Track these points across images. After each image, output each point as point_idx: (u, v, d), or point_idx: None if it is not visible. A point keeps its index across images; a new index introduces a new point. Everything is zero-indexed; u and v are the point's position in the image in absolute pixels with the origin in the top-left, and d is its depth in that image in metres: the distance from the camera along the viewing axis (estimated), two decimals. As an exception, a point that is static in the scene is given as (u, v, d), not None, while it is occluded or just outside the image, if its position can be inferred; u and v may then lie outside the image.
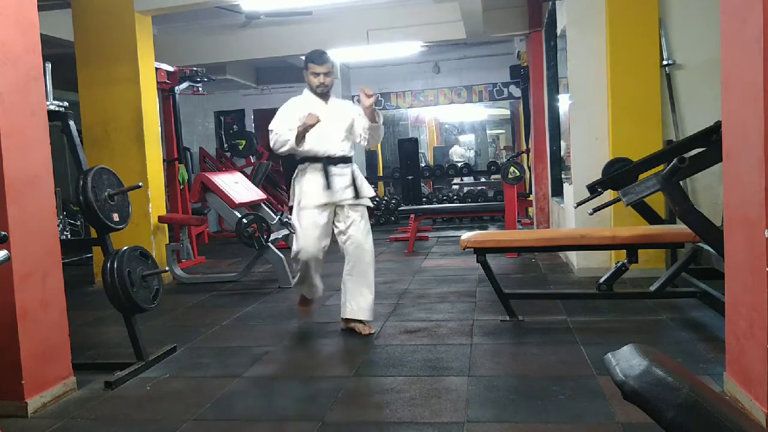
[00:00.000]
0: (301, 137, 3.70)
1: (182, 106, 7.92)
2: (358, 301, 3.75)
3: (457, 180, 13.16)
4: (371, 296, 3.78)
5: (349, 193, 3.78)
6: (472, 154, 17.72)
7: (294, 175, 3.90)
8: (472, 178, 12.73)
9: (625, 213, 4.60)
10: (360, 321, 3.77)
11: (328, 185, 3.74)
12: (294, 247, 3.82)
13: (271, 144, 3.81)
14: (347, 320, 3.81)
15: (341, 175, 3.79)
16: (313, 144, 3.75)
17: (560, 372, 2.95)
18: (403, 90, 11.81)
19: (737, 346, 2.46)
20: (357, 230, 3.77)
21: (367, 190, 3.87)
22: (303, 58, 3.91)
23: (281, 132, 3.73)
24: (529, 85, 8.37)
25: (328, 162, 3.77)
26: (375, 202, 10.43)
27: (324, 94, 3.86)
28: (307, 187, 3.78)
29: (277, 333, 3.92)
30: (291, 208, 3.90)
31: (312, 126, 3.65)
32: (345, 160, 3.82)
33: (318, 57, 3.82)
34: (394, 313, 4.26)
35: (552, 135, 7.12)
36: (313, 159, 3.79)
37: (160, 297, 3.39)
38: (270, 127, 3.82)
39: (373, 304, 3.79)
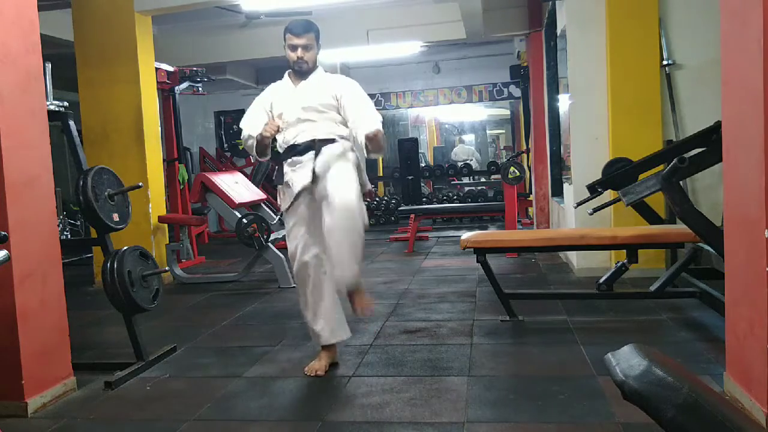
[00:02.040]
0: (261, 151, 3.14)
1: (182, 106, 7.91)
2: (340, 262, 2.96)
3: (466, 180, 13.08)
4: (358, 258, 2.98)
5: (307, 177, 3.02)
6: (477, 154, 17.61)
7: None
8: (472, 178, 12.72)
9: (625, 213, 4.60)
10: (356, 291, 2.97)
11: (283, 184, 3.14)
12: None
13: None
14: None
15: (302, 166, 3.07)
16: (279, 136, 3.16)
17: (560, 372, 2.95)
18: (403, 90, 11.82)
19: (737, 346, 2.46)
20: (328, 186, 2.97)
21: (336, 170, 3.00)
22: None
23: (247, 132, 3.16)
24: (529, 85, 8.37)
25: (288, 154, 3.13)
26: (374, 203, 10.43)
27: (302, 72, 3.16)
28: (280, 189, 3.22)
29: (277, 333, 3.92)
30: None
31: (268, 137, 3.05)
32: (311, 147, 3.05)
33: (296, 26, 3.12)
34: (394, 313, 4.26)
35: (552, 135, 7.11)
36: (281, 154, 3.19)
37: (160, 297, 3.39)
38: (240, 125, 3.26)
39: (357, 269, 2.95)
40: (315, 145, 3.07)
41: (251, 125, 3.15)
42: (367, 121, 2.96)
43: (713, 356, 3.00)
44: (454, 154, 16.08)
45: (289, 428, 2.52)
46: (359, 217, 2.99)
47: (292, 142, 3.12)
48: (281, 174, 3.18)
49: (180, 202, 7.50)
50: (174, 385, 3.07)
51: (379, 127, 2.95)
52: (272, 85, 3.33)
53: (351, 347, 3.54)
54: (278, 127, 3.06)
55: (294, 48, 3.11)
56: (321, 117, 3.10)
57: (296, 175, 3.09)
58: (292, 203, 3.12)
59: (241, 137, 3.25)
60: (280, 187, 3.22)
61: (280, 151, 3.20)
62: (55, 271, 2.96)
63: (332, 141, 3.09)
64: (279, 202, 3.27)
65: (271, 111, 3.20)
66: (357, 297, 2.96)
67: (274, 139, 3.18)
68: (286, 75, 3.27)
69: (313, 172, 3.03)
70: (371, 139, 2.90)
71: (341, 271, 2.94)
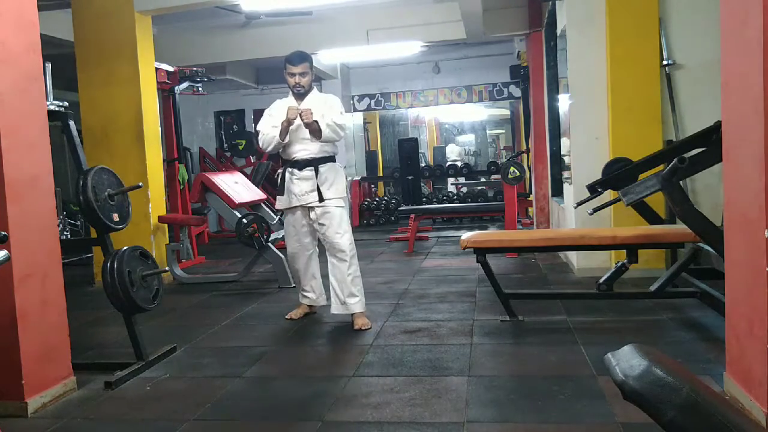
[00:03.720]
0: (284, 131, 3.90)
1: (182, 106, 7.91)
2: (339, 298, 3.92)
3: (452, 180, 13.12)
4: (352, 292, 3.90)
5: (312, 197, 3.93)
6: (466, 153, 17.62)
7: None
8: (469, 178, 12.70)
9: (625, 213, 4.60)
10: (356, 314, 3.92)
11: (282, 191, 4.02)
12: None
13: (260, 144, 4.05)
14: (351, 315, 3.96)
15: (305, 179, 3.94)
16: (281, 149, 4.00)
17: (560, 372, 2.95)
18: (403, 90, 11.80)
19: (737, 346, 2.46)
20: (329, 232, 3.91)
21: (333, 193, 3.94)
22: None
23: (266, 131, 3.97)
24: (529, 85, 8.36)
25: (290, 166, 3.99)
26: (374, 203, 10.46)
27: (300, 94, 4.01)
28: (279, 191, 4.08)
29: (277, 333, 3.92)
30: None
31: (293, 119, 3.83)
32: (310, 163, 3.94)
33: (294, 57, 3.96)
34: (394, 313, 4.26)
35: (552, 135, 7.11)
36: (283, 163, 4.07)
37: (160, 297, 3.39)
38: (257, 128, 4.09)
39: (356, 300, 3.90)
40: (313, 163, 3.95)
41: (270, 124, 3.97)
42: (326, 119, 3.89)
43: (713, 356, 3.00)
44: (448, 153, 16.24)
45: (289, 428, 2.52)
46: (354, 256, 3.94)
47: (293, 158, 3.99)
48: (282, 183, 4.03)
49: (180, 202, 7.49)
50: (174, 385, 3.07)
51: (327, 126, 3.88)
52: (278, 101, 4.14)
53: (351, 347, 3.54)
54: (298, 112, 3.82)
55: (292, 75, 3.96)
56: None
57: (296, 187, 3.96)
58: (290, 208, 4.04)
59: (260, 137, 4.02)
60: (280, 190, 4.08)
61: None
62: (55, 271, 2.96)
63: (326, 159, 4.00)
64: (276, 203, 4.16)
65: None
66: (358, 318, 3.90)
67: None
68: (290, 94, 4.09)
69: (320, 194, 3.92)
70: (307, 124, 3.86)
71: (350, 299, 3.89)
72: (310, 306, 4.27)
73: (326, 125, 3.87)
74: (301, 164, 3.96)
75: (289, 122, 3.85)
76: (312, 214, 3.98)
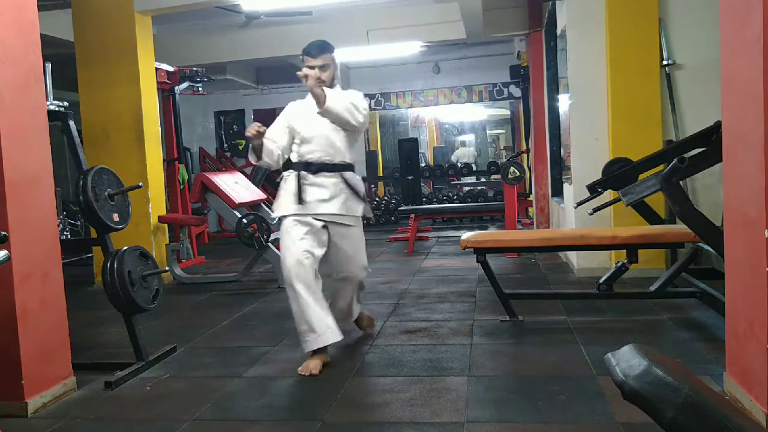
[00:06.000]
0: (255, 150, 3.35)
1: (182, 106, 7.91)
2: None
3: (468, 179, 13.10)
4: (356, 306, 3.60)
5: (328, 208, 3.29)
6: (474, 157, 17.58)
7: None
8: (473, 178, 12.72)
9: (625, 213, 4.60)
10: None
11: (300, 198, 3.27)
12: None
13: None
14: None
15: (319, 186, 3.29)
16: (293, 148, 3.40)
17: (560, 372, 2.95)
18: (403, 90, 11.81)
19: (737, 346, 2.46)
20: (339, 257, 3.41)
21: (352, 208, 3.38)
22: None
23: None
24: (529, 85, 8.36)
25: (304, 168, 3.31)
26: (374, 203, 10.45)
27: None
28: (282, 195, 3.36)
29: (277, 333, 3.92)
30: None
31: (254, 139, 3.26)
32: (328, 167, 3.31)
33: (313, 48, 3.34)
34: (394, 313, 4.26)
35: (552, 135, 7.11)
36: (293, 165, 3.38)
37: (160, 297, 3.39)
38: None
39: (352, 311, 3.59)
40: (316, 168, 3.30)
41: (271, 136, 3.35)
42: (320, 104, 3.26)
43: (713, 356, 3.00)
44: (456, 156, 16.14)
45: (289, 428, 2.52)
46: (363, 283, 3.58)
47: (306, 159, 3.33)
48: (297, 185, 3.30)
49: (180, 202, 7.50)
50: (174, 385, 3.07)
51: (343, 102, 3.26)
52: (292, 104, 3.52)
53: (351, 347, 3.54)
54: (257, 129, 3.21)
55: (311, 68, 3.28)
56: (336, 140, 3.33)
57: (309, 195, 3.28)
58: (302, 214, 3.28)
59: None
60: (285, 188, 3.36)
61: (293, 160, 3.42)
62: (55, 271, 2.96)
63: (337, 167, 3.33)
64: (277, 204, 3.38)
65: (288, 126, 3.40)
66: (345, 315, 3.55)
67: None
68: (308, 95, 3.35)
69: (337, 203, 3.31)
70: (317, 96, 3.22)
71: (349, 315, 3.59)
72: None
73: (345, 104, 3.26)
74: (316, 167, 3.33)
75: (248, 140, 3.30)
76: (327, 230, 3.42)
